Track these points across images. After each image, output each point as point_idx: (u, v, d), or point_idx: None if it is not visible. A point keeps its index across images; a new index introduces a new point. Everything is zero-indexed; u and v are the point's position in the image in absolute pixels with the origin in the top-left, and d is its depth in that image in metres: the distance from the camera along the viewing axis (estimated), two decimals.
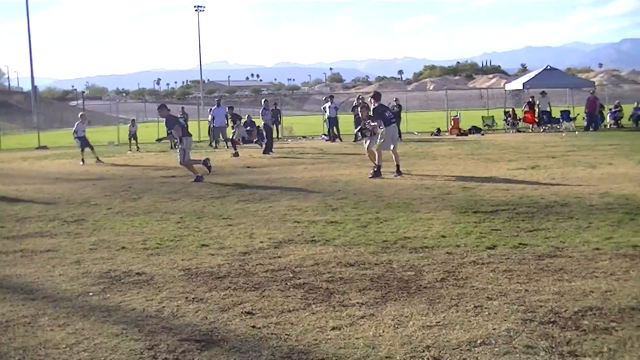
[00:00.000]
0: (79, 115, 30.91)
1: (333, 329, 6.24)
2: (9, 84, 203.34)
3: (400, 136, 36.34)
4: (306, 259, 9.06)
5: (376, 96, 19.90)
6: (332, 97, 40.66)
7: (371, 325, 6.31)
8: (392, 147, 19.02)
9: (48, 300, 7.56)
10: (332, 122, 38.42)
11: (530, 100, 42.83)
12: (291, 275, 8.28)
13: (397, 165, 18.87)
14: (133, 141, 38.22)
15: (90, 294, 7.77)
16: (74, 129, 30.27)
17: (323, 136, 39.48)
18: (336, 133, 38.36)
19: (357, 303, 7.00)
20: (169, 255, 9.67)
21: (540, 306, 6.64)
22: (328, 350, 5.73)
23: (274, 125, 35.28)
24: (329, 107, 38.40)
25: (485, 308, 6.66)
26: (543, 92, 41.19)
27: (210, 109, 38.25)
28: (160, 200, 15.42)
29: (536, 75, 45.33)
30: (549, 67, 45.85)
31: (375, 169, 18.65)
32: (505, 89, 53.64)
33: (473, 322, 6.28)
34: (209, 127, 38.10)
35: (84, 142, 29.46)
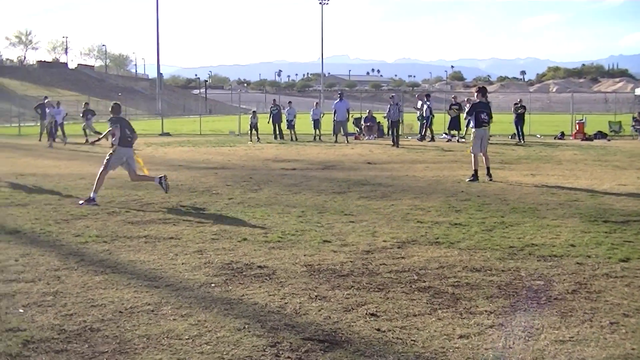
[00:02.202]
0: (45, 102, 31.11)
1: (461, 337, 6.03)
2: (136, 71, 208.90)
3: (523, 138, 35.74)
4: (431, 261, 8.86)
5: (481, 91, 19.25)
6: (428, 95, 39.99)
7: (500, 335, 6.07)
8: (481, 149, 18.43)
9: (171, 289, 7.58)
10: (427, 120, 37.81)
11: None
12: (416, 277, 8.09)
13: (488, 168, 18.33)
14: (254, 132, 38.54)
15: (213, 284, 7.77)
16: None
17: (444, 135, 39.00)
18: (422, 134, 37.88)
19: (485, 311, 6.77)
20: (291, 249, 9.61)
21: None
22: None
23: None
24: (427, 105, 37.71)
25: (622, 325, 6.34)
26: None
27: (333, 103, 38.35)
28: (281, 193, 15.43)
29: None
30: None
31: (474, 174, 18.17)
32: (635, 93, 52.00)
33: (609, 339, 5.98)
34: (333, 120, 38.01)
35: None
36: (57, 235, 10.77)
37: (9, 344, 5.87)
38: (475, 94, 19.55)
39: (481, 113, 18.54)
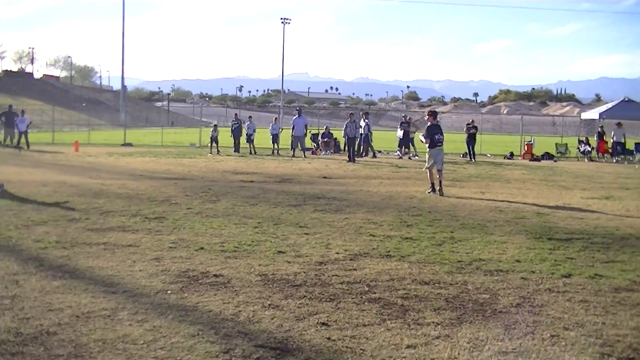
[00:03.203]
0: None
1: (408, 347, 6.05)
2: (101, 83, 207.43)
3: (474, 157, 36.08)
4: (382, 274, 8.88)
5: (433, 114, 20.24)
6: (367, 113, 40.07)
7: (446, 346, 6.10)
8: (437, 167, 19.10)
9: (128, 295, 7.52)
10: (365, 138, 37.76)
11: (600, 130, 42.03)
12: (367, 289, 8.10)
13: (440, 182, 18.93)
14: (214, 144, 38.46)
15: (169, 292, 7.72)
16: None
17: (397, 152, 39.16)
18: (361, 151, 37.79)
19: (433, 322, 6.79)
20: (246, 259, 9.58)
21: (618, 341, 6.37)
22: None
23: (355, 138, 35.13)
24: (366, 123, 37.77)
25: (562, 338, 6.40)
26: (619, 123, 40.29)
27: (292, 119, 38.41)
28: (238, 204, 15.37)
29: (613, 106, 44.37)
30: (626, 99, 44.79)
31: (431, 187, 19.03)
32: (582, 117, 52.60)
33: (550, 351, 6.03)
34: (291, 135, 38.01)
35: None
36: (17, 240, 10.64)
37: None
38: (427, 117, 20.38)
39: (435, 134, 19.25)
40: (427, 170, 19.35)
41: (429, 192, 18.75)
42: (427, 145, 19.30)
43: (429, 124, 19.71)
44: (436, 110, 21.59)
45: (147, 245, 10.42)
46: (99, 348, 5.82)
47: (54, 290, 7.64)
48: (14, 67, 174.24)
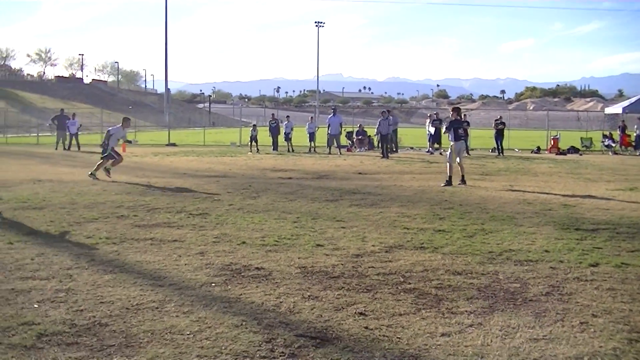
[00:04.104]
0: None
1: (442, 335, 6.02)
2: (146, 86, 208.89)
3: (502, 152, 35.81)
4: (416, 265, 8.84)
5: (456, 110, 20.92)
6: (389, 111, 39.10)
7: (479, 334, 6.05)
8: (457, 160, 19.59)
9: (174, 288, 7.55)
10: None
11: (621, 124, 41.57)
12: (402, 279, 8.07)
13: (463, 176, 19.44)
14: (254, 143, 38.56)
15: (213, 284, 7.74)
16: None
17: (429, 149, 38.97)
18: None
19: (466, 311, 6.75)
20: (286, 252, 9.58)
21: None
22: (437, 356, 5.52)
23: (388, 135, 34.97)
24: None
25: (591, 325, 6.32)
26: None
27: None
28: (277, 200, 15.39)
29: (636, 100, 43.91)
30: None
31: (447, 181, 19.30)
32: (605, 112, 52.04)
33: (579, 338, 5.96)
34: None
35: None
36: (70, 236, 10.74)
37: (24, 336, 5.85)
38: (451, 112, 20.78)
39: (458, 129, 19.68)
40: (447, 164, 19.65)
41: (443, 185, 18.95)
42: (450, 138, 19.49)
43: (452, 119, 20.17)
44: (460, 107, 22.12)
45: (192, 240, 10.46)
46: (148, 338, 5.85)
47: (105, 284, 7.70)
48: (65, 73, 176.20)
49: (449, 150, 19.89)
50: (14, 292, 7.34)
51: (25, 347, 5.62)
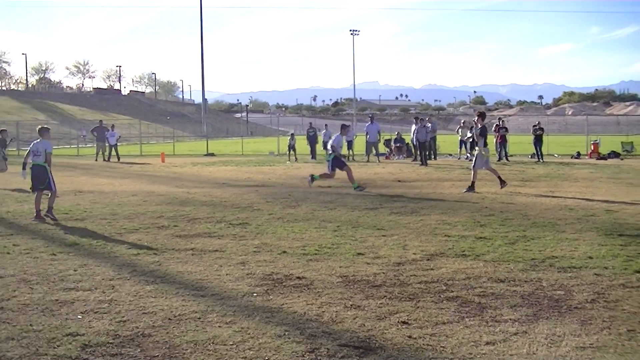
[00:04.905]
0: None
1: (487, 344, 5.95)
2: (183, 97, 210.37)
3: (542, 157, 35.52)
4: (458, 273, 8.77)
5: (482, 116, 20.62)
6: (421, 119, 38.09)
7: (524, 342, 5.98)
8: (486, 166, 19.70)
9: (216, 298, 7.57)
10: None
11: None
12: (444, 287, 8.00)
13: (499, 177, 19.47)
14: (292, 152, 38.64)
15: (255, 294, 7.74)
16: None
17: (469, 155, 38.71)
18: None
19: (510, 319, 6.67)
20: (327, 261, 9.56)
21: None
22: None
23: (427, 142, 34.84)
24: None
25: (639, 332, 6.22)
26: None
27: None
28: (317, 209, 15.38)
29: None
30: None
31: (469, 187, 19.28)
32: None
33: (627, 346, 5.86)
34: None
35: None
36: (112, 247, 10.83)
37: (69, 347, 5.90)
38: (478, 119, 20.51)
39: (487, 134, 19.94)
40: (474, 170, 19.56)
41: (465, 191, 18.95)
42: (480, 145, 19.39)
43: (479, 125, 19.97)
44: (485, 112, 22.15)
45: (233, 250, 10.49)
46: (191, 349, 5.86)
47: (147, 294, 7.75)
48: (104, 85, 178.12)
49: (476, 157, 19.81)
50: (58, 302, 7.42)
51: (70, 358, 5.66)
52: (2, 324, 6.62)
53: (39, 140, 14.84)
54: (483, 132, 19.59)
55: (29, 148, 15.34)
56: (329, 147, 21.31)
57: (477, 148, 19.83)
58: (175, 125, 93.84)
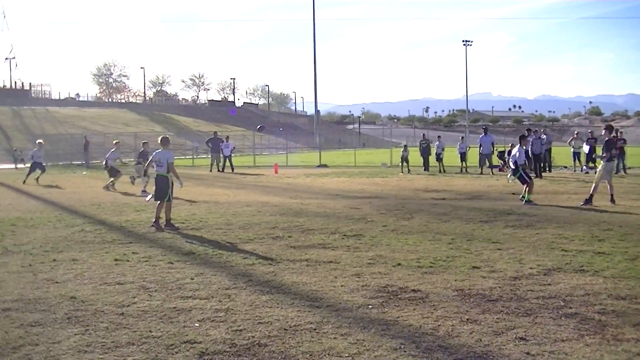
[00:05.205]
0: (113, 143, 30.16)
1: None
2: (295, 108, 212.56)
3: None
4: (576, 289, 8.51)
5: (609, 129, 19.86)
6: (532, 130, 36.91)
7: None
8: (607, 179, 19.25)
9: (331, 309, 7.57)
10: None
11: None
12: (562, 303, 7.78)
13: (611, 195, 19.06)
14: (404, 164, 38.48)
15: (370, 306, 7.71)
16: (107, 155, 29.62)
17: (584, 167, 37.66)
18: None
19: (632, 338, 6.42)
20: (442, 274, 9.45)
21: None
22: None
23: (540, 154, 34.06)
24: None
25: None
26: None
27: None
28: (431, 221, 15.25)
29: None
30: None
31: (587, 200, 18.78)
32: None
33: None
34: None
35: (112, 170, 28.49)
36: (227, 257, 10.99)
37: (186, 354, 6.01)
38: (604, 131, 19.80)
39: (613, 148, 19.28)
40: (595, 184, 19.08)
41: (582, 204, 18.51)
42: (604, 160, 18.83)
43: (606, 138, 19.33)
44: (613, 125, 21.49)
45: (347, 261, 10.49)
46: None
47: (263, 304, 7.82)
48: (218, 97, 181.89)
49: (600, 170, 19.36)
50: (175, 310, 7.57)
51: None
52: (123, 329, 6.81)
53: (160, 150, 15.23)
54: (609, 146, 18.97)
55: (151, 157, 15.82)
56: (511, 164, 20.90)
57: (600, 161, 19.34)
58: (288, 136, 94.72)
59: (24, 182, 30.43)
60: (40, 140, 34.07)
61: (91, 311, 7.57)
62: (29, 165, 34.17)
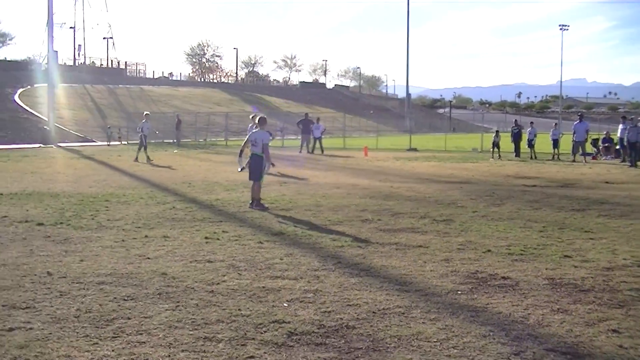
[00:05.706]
0: (143, 114, 30.42)
1: None
2: (387, 91, 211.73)
3: None
4: None
5: None
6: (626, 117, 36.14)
7: None
8: None
9: (420, 294, 7.56)
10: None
11: None
12: None
13: None
14: (496, 149, 38.03)
15: (459, 292, 7.67)
16: (139, 125, 29.68)
17: None
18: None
19: None
20: (533, 262, 9.33)
21: None
22: None
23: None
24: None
25: None
26: None
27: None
28: (522, 208, 15.04)
29: None
30: None
31: None
32: None
33: None
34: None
35: (142, 141, 28.71)
36: (317, 238, 11.07)
37: (275, 333, 6.09)
38: None
39: None
40: None
41: None
42: None
43: None
44: None
45: (437, 246, 10.45)
46: (394, 344, 5.89)
47: (351, 287, 7.86)
48: (309, 79, 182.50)
49: None
50: (265, 290, 7.67)
51: (276, 344, 5.84)
52: (213, 307, 6.93)
53: (257, 129, 15.36)
54: None
55: (246, 137, 15.98)
56: None
57: None
58: (378, 119, 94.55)
59: (136, 159, 30.91)
60: (148, 112, 34.57)
61: (182, 288, 7.73)
62: (136, 141, 34.69)
